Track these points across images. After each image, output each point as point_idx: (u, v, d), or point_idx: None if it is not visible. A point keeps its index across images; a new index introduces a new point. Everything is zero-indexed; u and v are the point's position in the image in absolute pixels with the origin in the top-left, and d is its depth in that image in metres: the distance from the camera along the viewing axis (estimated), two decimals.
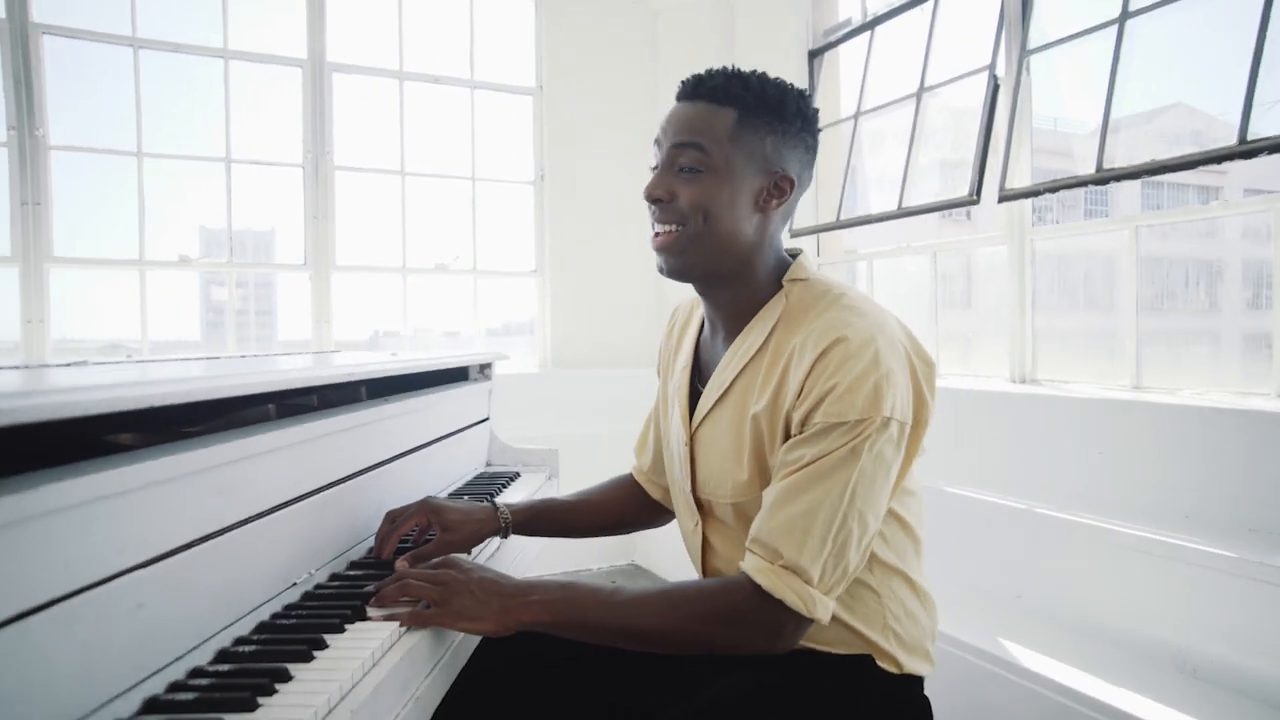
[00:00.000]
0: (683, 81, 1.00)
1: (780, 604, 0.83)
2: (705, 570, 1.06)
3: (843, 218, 3.25)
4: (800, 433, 0.87)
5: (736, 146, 0.94)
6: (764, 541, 0.85)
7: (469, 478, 1.58)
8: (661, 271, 0.99)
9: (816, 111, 1.01)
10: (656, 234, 0.98)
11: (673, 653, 0.91)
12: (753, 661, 0.93)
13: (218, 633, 0.75)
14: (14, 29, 3.01)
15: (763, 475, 0.93)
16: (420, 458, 1.34)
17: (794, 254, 1.04)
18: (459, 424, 1.56)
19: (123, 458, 0.65)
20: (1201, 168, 2.09)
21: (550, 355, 3.96)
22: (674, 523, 1.19)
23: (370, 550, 1.06)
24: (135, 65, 3.20)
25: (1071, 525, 1.95)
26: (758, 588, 0.84)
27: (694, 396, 1.05)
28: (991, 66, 2.67)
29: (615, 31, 3.99)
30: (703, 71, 0.98)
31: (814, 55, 3.56)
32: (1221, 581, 1.63)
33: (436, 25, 3.81)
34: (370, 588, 0.88)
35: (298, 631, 0.76)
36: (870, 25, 3.26)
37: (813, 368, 0.87)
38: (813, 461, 0.85)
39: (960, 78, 2.83)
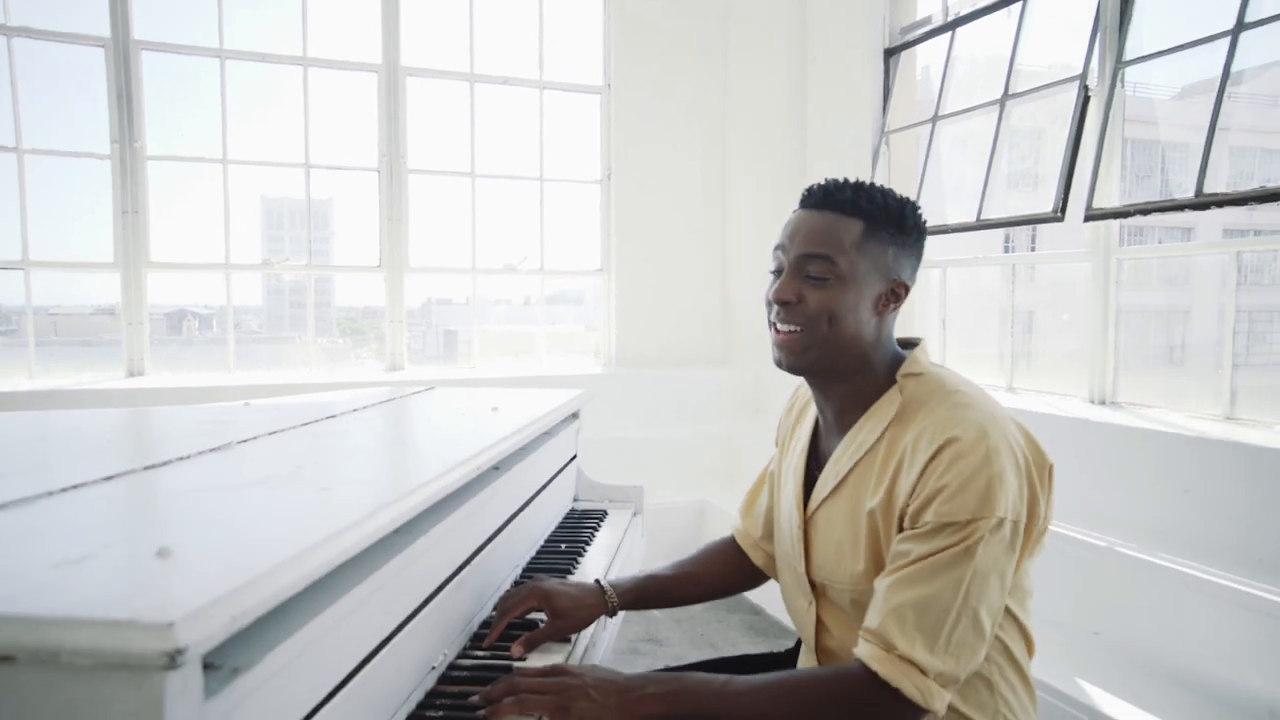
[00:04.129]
0: (809, 190, 1.04)
1: (897, 693, 0.85)
2: (818, 648, 1.09)
3: None
4: (913, 528, 0.90)
5: (862, 256, 0.99)
6: (878, 632, 0.88)
7: (560, 519, 1.64)
8: (779, 365, 1.03)
9: (926, 222, 1.07)
10: (779, 332, 1.02)
11: None
12: None
13: None
14: (117, 47, 3.13)
15: (878, 568, 0.96)
16: (530, 510, 1.40)
17: (911, 342, 1.07)
18: (556, 467, 1.61)
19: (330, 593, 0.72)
20: None
21: (615, 355, 4.00)
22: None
23: (491, 621, 1.10)
24: (222, 76, 3.30)
25: (1153, 567, 1.93)
26: (875, 676, 0.86)
27: (808, 481, 1.09)
28: (1083, 77, 2.57)
29: (684, 29, 3.95)
30: (826, 181, 1.03)
31: (890, 54, 3.47)
32: None
33: (506, 27, 3.82)
34: (475, 698, 0.89)
35: None
36: (951, 26, 3.16)
37: (925, 468, 0.89)
38: (924, 557, 0.87)
39: (1048, 86, 2.74)
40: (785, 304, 1.00)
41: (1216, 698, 1.73)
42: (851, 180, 1.03)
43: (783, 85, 3.94)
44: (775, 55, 3.92)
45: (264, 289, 3.64)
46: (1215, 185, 2.19)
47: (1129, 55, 2.48)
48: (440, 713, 0.87)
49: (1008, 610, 0.98)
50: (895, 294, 1.01)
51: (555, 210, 3.93)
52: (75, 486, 0.84)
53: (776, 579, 1.24)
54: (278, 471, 0.92)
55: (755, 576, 1.27)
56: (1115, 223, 2.52)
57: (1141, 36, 2.51)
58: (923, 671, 0.85)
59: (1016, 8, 2.86)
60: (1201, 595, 1.81)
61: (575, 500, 1.80)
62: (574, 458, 1.76)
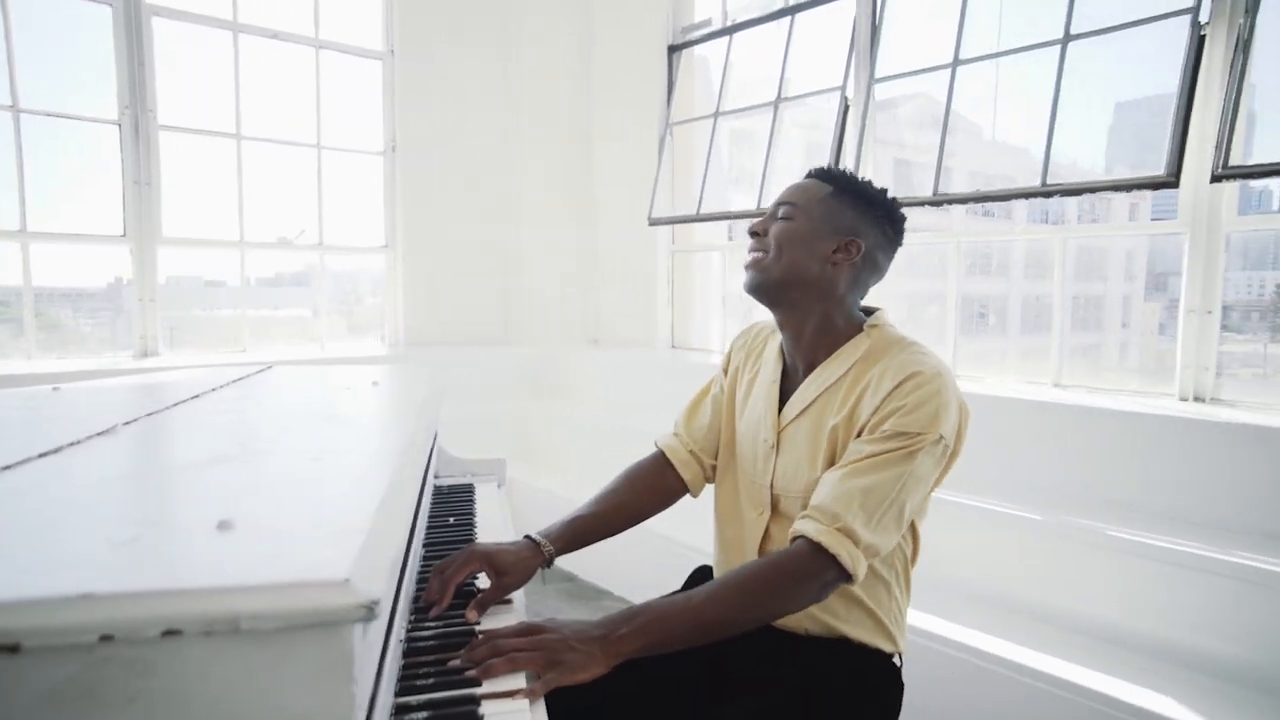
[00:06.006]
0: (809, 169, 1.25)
1: (833, 559, 1.00)
2: (761, 556, 1.21)
3: (702, 212, 3.49)
4: (870, 435, 1.06)
5: (823, 208, 1.17)
6: (825, 508, 1.02)
7: (431, 496, 1.60)
8: (745, 287, 1.21)
9: (904, 216, 1.21)
10: (749, 256, 1.21)
11: (752, 628, 1.03)
12: (796, 656, 1.13)
13: None
14: None
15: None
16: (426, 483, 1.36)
17: (871, 310, 1.23)
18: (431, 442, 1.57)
19: None
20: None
21: (403, 335, 3.84)
22: None
23: (423, 598, 1.06)
24: None
25: (974, 509, 2.30)
26: (817, 545, 1.00)
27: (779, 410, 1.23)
28: (843, 88, 3.00)
29: (469, 3, 3.87)
30: (825, 165, 1.24)
31: (673, 50, 3.72)
32: (1099, 555, 2.08)
33: None
34: (457, 662, 0.89)
35: (452, 704, 0.82)
36: (729, 31, 3.47)
37: (891, 392, 1.06)
38: (875, 455, 1.04)
39: (815, 93, 3.15)
40: (754, 234, 1.20)
41: (1029, 610, 2.17)
42: (846, 169, 1.22)
43: (569, 70, 4.03)
44: (562, 40, 4.01)
45: None
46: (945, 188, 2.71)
47: (879, 74, 2.95)
48: (431, 680, 0.86)
49: (913, 526, 1.19)
50: (848, 249, 1.15)
51: (335, 183, 3.65)
52: None
53: (693, 494, 1.36)
54: (224, 448, 0.83)
55: (671, 495, 1.36)
56: None
57: (890, 58, 2.99)
58: (856, 542, 1.01)
59: (785, 21, 3.24)
60: (967, 523, 2.26)
61: (435, 476, 1.76)
62: (435, 434, 1.72)
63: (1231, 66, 2.08)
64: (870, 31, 2.96)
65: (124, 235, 3.08)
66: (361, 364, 3.03)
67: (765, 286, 1.18)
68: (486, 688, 0.85)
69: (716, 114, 3.51)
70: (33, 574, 0.44)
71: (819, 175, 1.21)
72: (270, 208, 3.49)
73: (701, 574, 1.40)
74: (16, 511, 0.60)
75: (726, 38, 3.49)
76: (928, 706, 1.20)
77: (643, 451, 1.41)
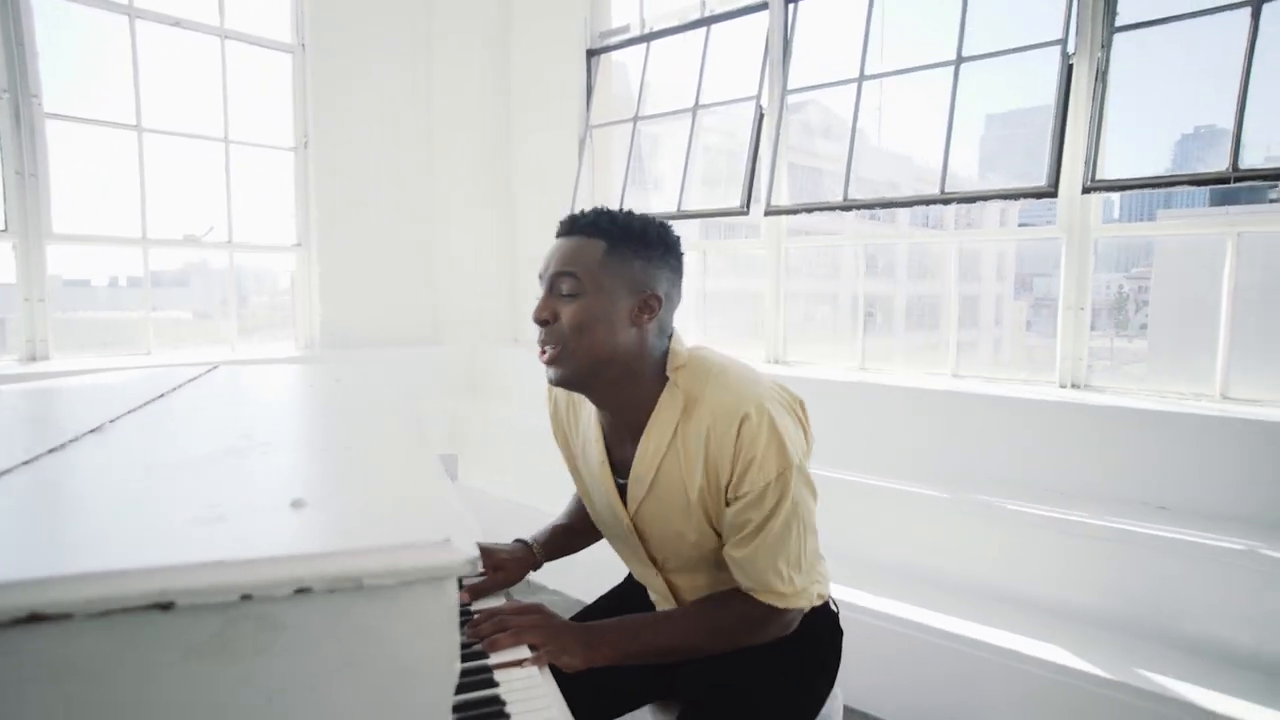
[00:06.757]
0: (560, 221, 1.11)
1: (798, 611, 1.11)
2: (675, 596, 1.22)
3: None
4: (738, 497, 1.04)
5: (606, 271, 1.04)
6: (763, 590, 1.07)
7: None
8: (551, 382, 1.09)
9: (678, 239, 1.12)
10: (543, 351, 1.07)
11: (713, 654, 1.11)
12: None
13: None
14: None
15: (714, 530, 1.11)
16: None
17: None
18: None
19: None
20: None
21: (319, 336, 3.74)
22: None
23: None
24: None
25: (828, 480, 2.52)
26: (774, 607, 1.07)
27: (619, 488, 1.16)
28: (758, 97, 3.17)
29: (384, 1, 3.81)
30: (576, 212, 1.11)
31: (592, 54, 3.79)
32: (940, 516, 2.31)
33: None
34: (462, 638, 0.94)
35: (468, 674, 0.87)
36: (647, 38, 3.58)
37: (735, 445, 1.03)
38: (765, 521, 1.03)
39: (731, 102, 3.30)
40: (544, 323, 1.05)
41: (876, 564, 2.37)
42: (597, 208, 1.09)
43: (488, 70, 4.04)
44: (480, 40, 4.01)
45: None
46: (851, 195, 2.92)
47: (791, 85, 3.13)
48: None
49: None
50: (648, 305, 1.06)
51: (242, 177, 3.51)
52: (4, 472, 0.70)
53: None
54: (228, 442, 0.85)
55: None
56: (785, 218, 3.17)
57: (801, 71, 3.17)
58: (803, 592, 1.10)
59: (702, 31, 3.38)
60: (881, 503, 2.45)
61: None
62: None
63: (1093, 93, 2.37)
64: (783, 44, 3.14)
65: (4, 230, 2.86)
66: (283, 366, 2.94)
67: (574, 380, 1.07)
68: (495, 659, 0.92)
69: (636, 118, 3.61)
70: (176, 540, 0.48)
71: (584, 231, 1.06)
72: (174, 203, 3.32)
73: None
74: (88, 491, 0.62)
75: (644, 45, 3.59)
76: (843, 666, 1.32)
77: None
